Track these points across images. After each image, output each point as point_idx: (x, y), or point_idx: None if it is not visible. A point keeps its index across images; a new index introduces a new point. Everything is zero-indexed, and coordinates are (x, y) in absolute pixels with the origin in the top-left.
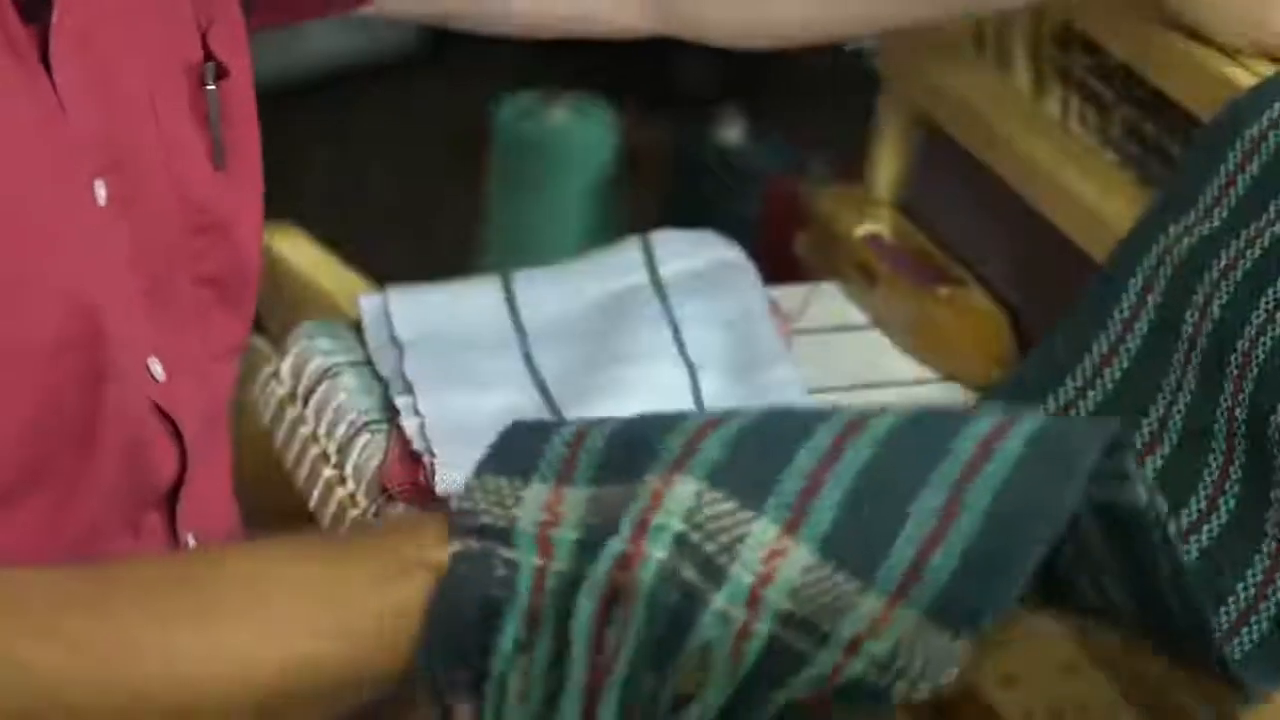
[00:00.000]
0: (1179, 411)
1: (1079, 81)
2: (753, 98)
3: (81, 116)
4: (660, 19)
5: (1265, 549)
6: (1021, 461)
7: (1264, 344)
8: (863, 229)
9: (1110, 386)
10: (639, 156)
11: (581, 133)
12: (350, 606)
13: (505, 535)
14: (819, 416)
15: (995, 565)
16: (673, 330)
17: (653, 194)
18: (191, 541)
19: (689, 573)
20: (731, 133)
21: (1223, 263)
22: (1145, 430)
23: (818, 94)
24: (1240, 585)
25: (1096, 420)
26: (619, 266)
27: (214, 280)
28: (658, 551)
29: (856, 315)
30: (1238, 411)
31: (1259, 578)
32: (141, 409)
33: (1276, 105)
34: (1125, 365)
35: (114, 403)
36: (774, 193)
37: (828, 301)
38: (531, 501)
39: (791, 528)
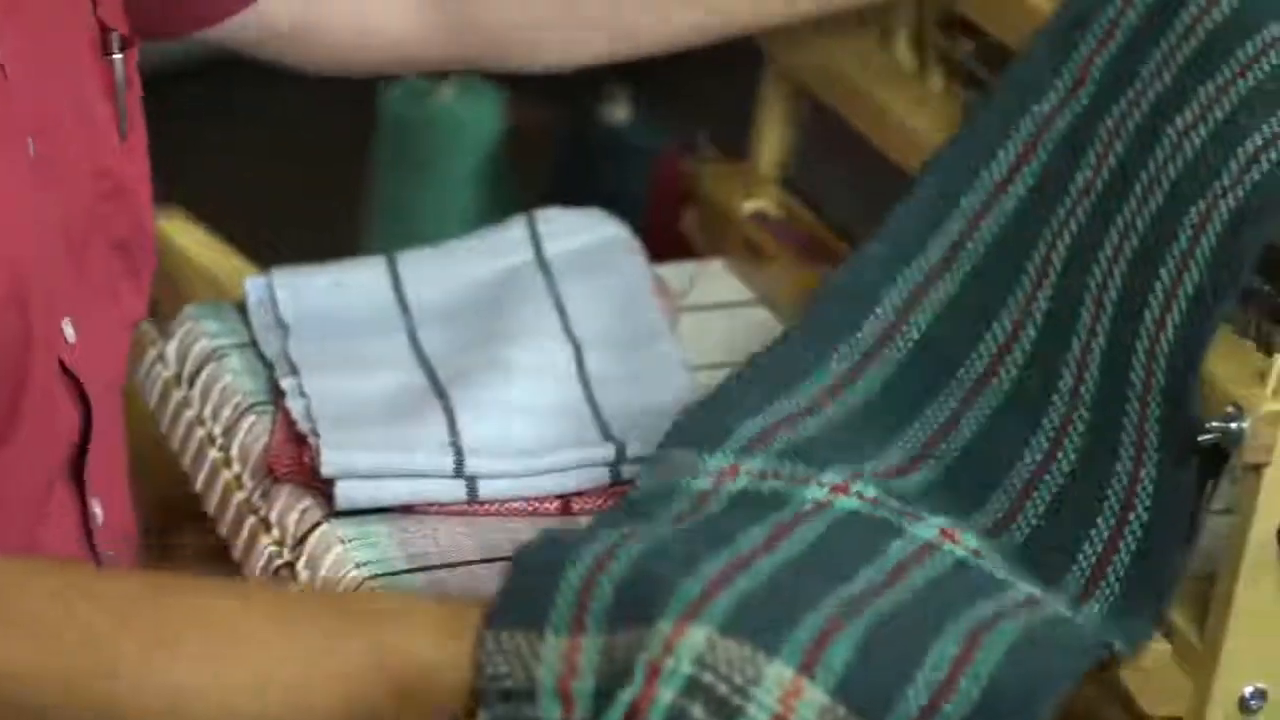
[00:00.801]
0: (1029, 335)
1: (961, 65)
2: (639, 76)
3: (17, 78)
4: (460, 44)
5: (1110, 503)
6: (1034, 626)
7: (1118, 272)
8: (749, 206)
9: (960, 278)
10: (525, 135)
11: (468, 113)
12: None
13: (530, 695)
14: (842, 577)
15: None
16: (558, 308)
17: (539, 173)
18: (99, 512)
19: (698, 712)
20: (618, 111)
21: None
22: (991, 340)
23: (704, 71)
24: (1087, 545)
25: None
26: (504, 246)
27: (123, 246)
28: (667, 694)
29: (743, 292)
30: (1093, 343)
31: (1107, 535)
32: (51, 369)
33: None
34: (974, 262)
35: (34, 364)
36: (661, 171)
37: (715, 278)
38: (550, 656)
39: (806, 669)
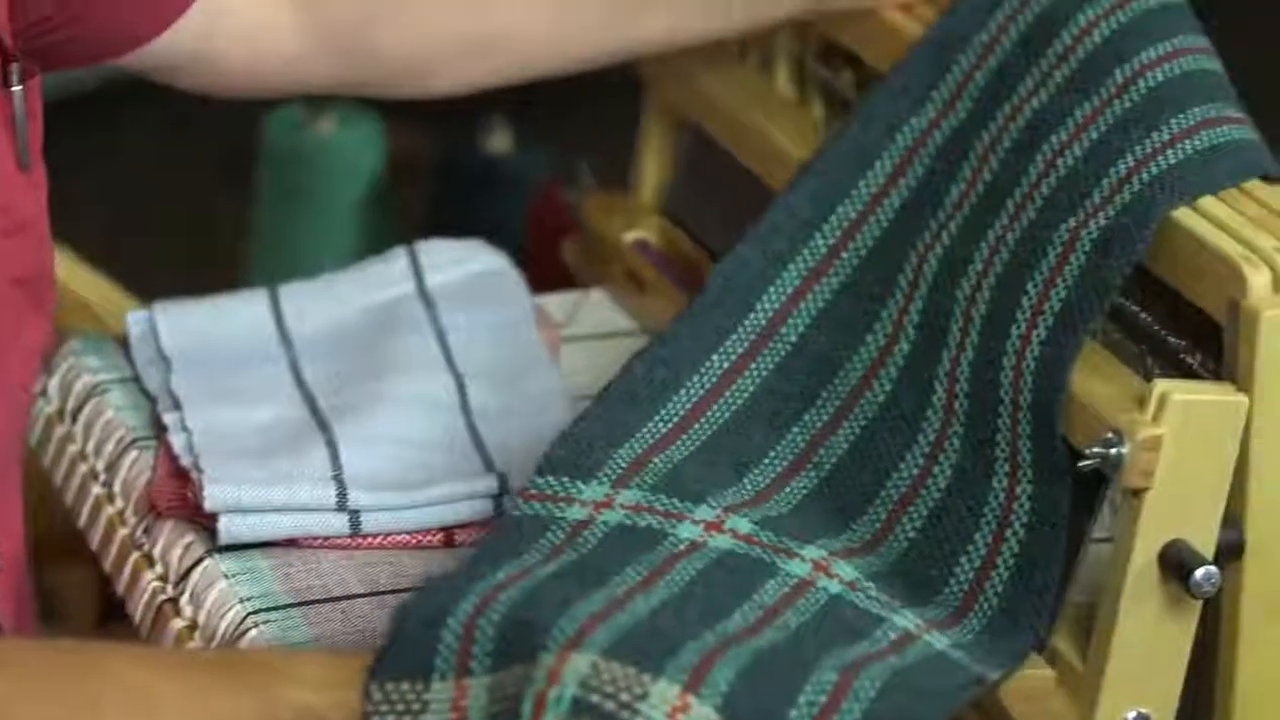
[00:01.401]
0: (902, 349)
1: (841, 94)
2: (519, 106)
3: None
4: (354, 69)
5: (987, 518)
6: (905, 667)
7: (987, 286)
8: (630, 235)
9: (837, 282)
10: (406, 166)
11: (349, 144)
12: None
13: None
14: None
15: None
16: (439, 340)
17: (421, 204)
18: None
19: None
20: (498, 141)
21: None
22: (865, 351)
23: (584, 101)
24: (964, 559)
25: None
26: (386, 277)
27: (22, 282)
28: (553, 719)
29: (625, 321)
30: (962, 357)
31: (984, 550)
32: None
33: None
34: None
35: None
36: (542, 201)
37: (596, 308)
38: (437, 701)
39: (692, 687)
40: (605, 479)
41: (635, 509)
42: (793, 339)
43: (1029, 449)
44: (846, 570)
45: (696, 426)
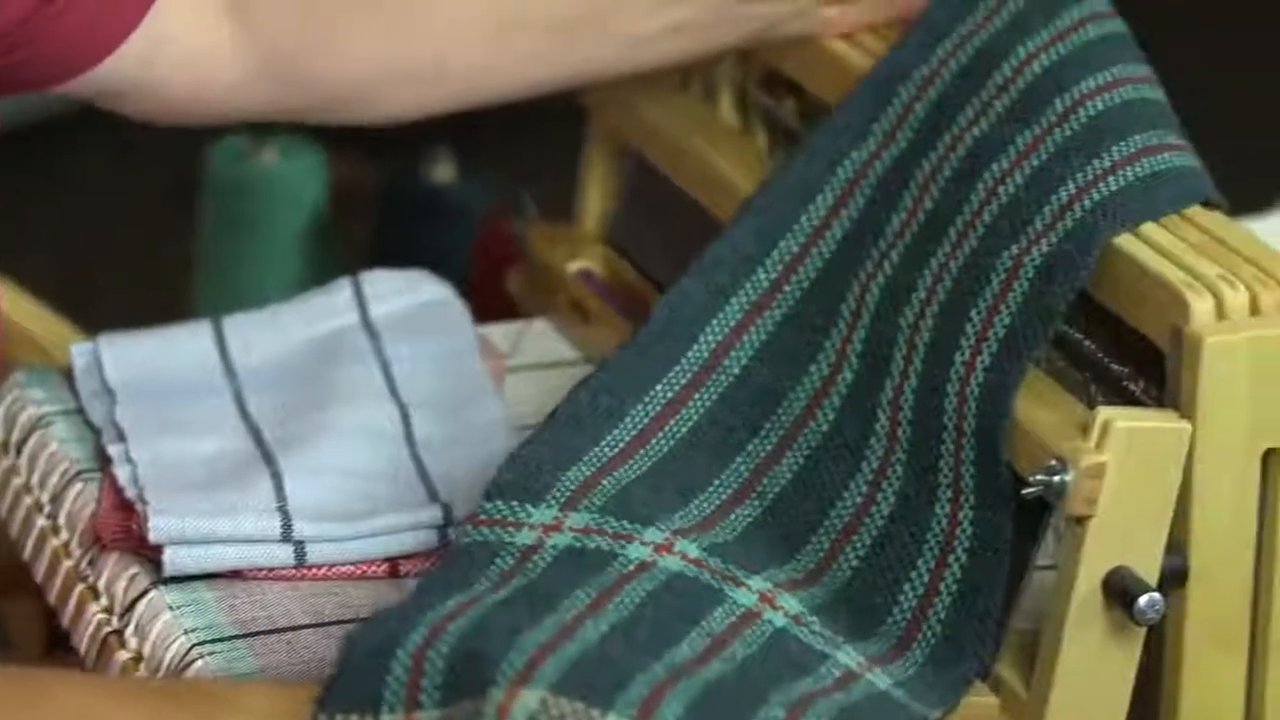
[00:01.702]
0: (845, 378)
1: (784, 123)
2: (462, 135)
3: None
4: (296, 96)
5: (929, 545)
6: (849, 707)
7: (930, 314)
8: (574, 265)
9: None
10: (350, 196)
11: (292, 174)
12: None
13: None
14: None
15: None
16: (384, 371)
17: (365, 234)
18: None
19: None
20: (442, 171)
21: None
22: (809, 381)
23: (528, 130)
24: (908, 586)
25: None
26: (330, 308)
27: None
28: None
29: (569, 351)
30: (905, 385)
31: (926, 578)
32: None
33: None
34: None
35: None
36: (486, 230)
37: (541, 338)
38: None
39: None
40: (554, 501)
41: (584, 531)
42: (736, 370)
43: (971, 474)
44: (791, 603)
45: (641, 453)
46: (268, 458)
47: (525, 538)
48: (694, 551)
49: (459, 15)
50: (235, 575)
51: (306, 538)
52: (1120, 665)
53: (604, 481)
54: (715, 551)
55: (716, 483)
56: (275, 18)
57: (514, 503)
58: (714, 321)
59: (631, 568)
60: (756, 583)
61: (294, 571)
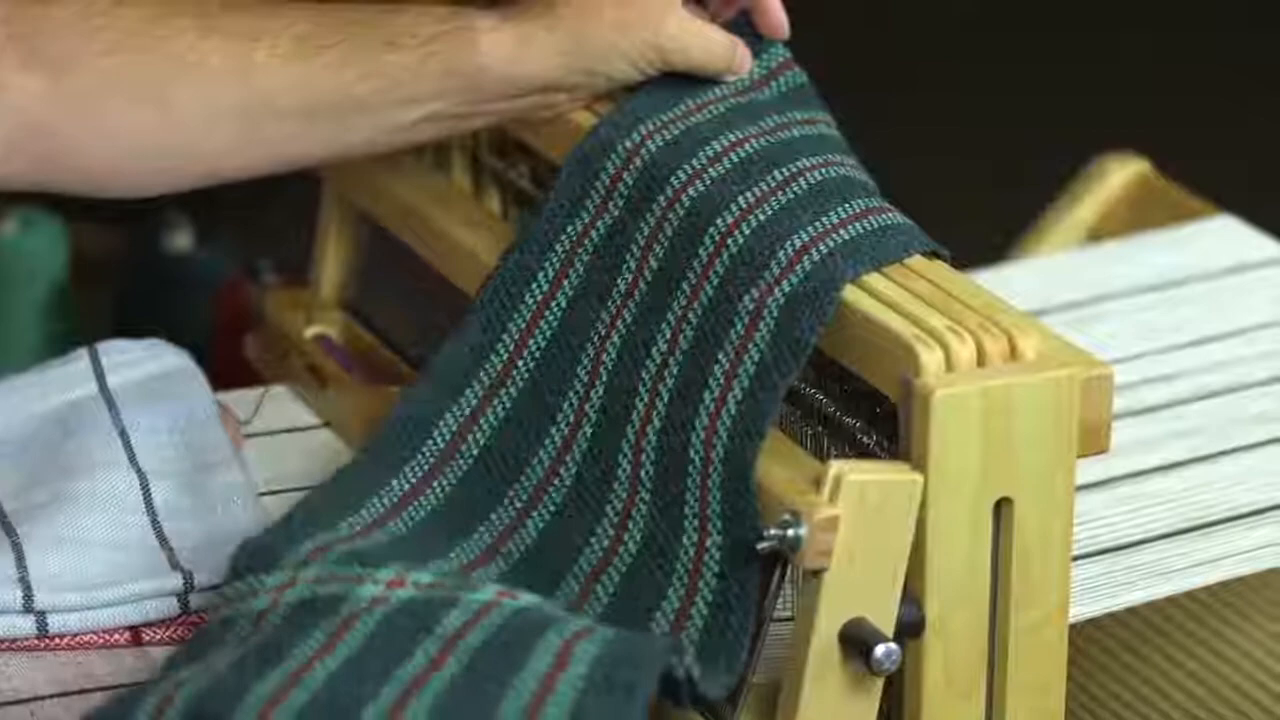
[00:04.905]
0: (585, 434)
1: (516, 185)
2: (199, 202)
3: None
4: (45, 171)
5: (679, 577)
6: (585, 691)
7: (673, 362)
8: (311, 330)
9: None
10: (91, 266)
11: (30, 246)
12: None
13: None
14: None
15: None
16: (123, 439)
17: (106, 303)
18: None
19: None
20: (180, 239)
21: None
22: (549, 446)
23: (266, 196)
24: (659, 616)
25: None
26: (67, 379)
27: None
28: None
29: (308, 416)
30: (648, 428)
31: (676, 607)
32: None
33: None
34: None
35: None
36: (224, 297)
37: (280, 403)
38: None
39: None
40: (288, 566)
41: (317, 580)
42: (474, 452)
43: (718, 499)
44: (532, 599)
45: (378, 532)
46: (8, 529)
47: (260, 603)
48: (427, 578)
49: (215, 100)
50: None
51: (48, 608)
52: (859, 715)
53: (340, 547)
54: (452, 576)
55: (457, 550)
56: (30, 93)
57: (250, 577)
58: (448, 415)
59: (364, 604)
60: (496, 586)
61: (37, 641)
